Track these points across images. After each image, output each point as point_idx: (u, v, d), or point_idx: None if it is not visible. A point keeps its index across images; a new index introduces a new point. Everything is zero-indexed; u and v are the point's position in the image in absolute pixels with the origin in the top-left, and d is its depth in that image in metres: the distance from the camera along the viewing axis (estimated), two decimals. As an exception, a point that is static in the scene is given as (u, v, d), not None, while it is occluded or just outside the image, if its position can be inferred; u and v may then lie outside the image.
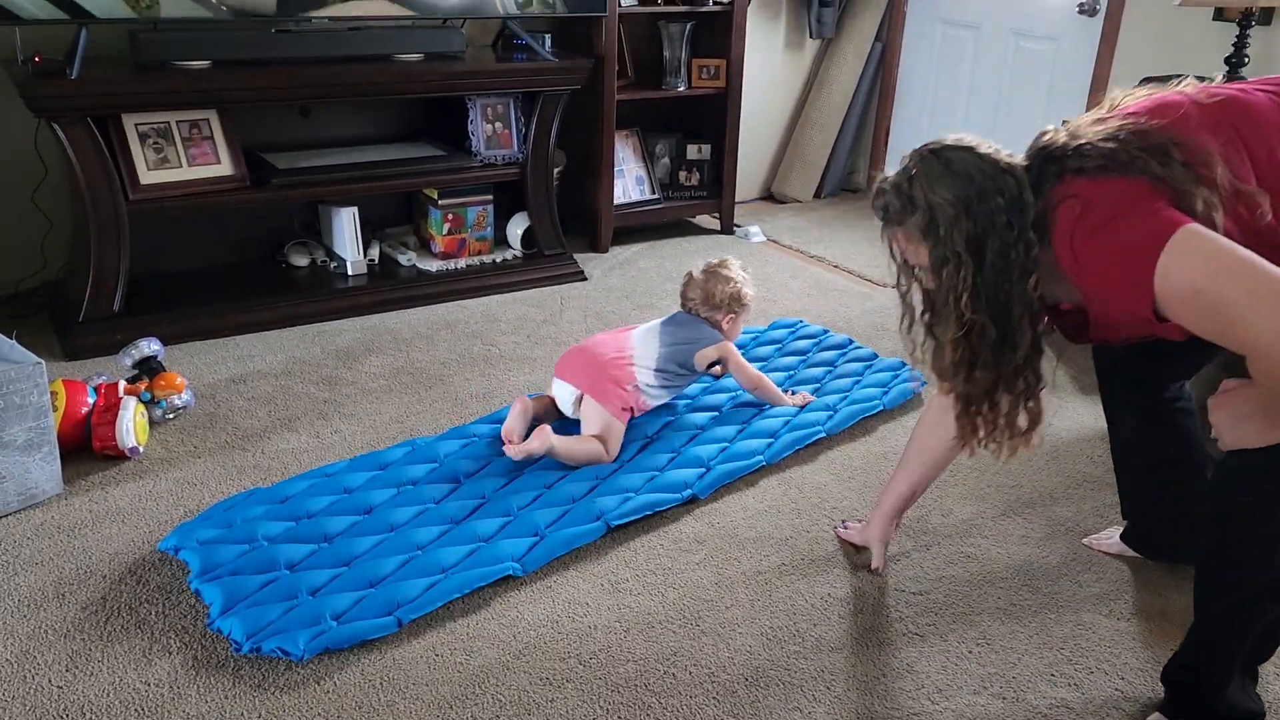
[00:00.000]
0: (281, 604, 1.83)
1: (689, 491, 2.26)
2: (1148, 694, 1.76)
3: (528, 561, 2.00)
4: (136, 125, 2.90)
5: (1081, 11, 3.82)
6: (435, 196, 3.41)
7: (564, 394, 2.46)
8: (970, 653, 1.85)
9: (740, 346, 2.99)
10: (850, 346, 3.04)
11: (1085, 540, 2.19)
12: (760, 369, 2.85)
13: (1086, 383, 2.95)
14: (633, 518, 2.16)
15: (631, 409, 2.44)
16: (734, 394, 2.69)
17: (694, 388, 2.70)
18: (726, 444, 2.44)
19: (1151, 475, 2.00)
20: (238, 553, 1.96)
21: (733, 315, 2.60)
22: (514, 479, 2.27)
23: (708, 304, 2.58)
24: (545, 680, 1.74)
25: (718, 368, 2.62)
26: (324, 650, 1.76)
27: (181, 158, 2.97)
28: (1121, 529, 2.16)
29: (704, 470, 2.33)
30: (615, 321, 3.19)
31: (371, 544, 2.02)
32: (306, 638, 1.75)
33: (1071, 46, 3.90)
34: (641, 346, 2.50)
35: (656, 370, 2.47)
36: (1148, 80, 2.98)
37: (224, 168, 3.02)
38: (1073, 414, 2.76)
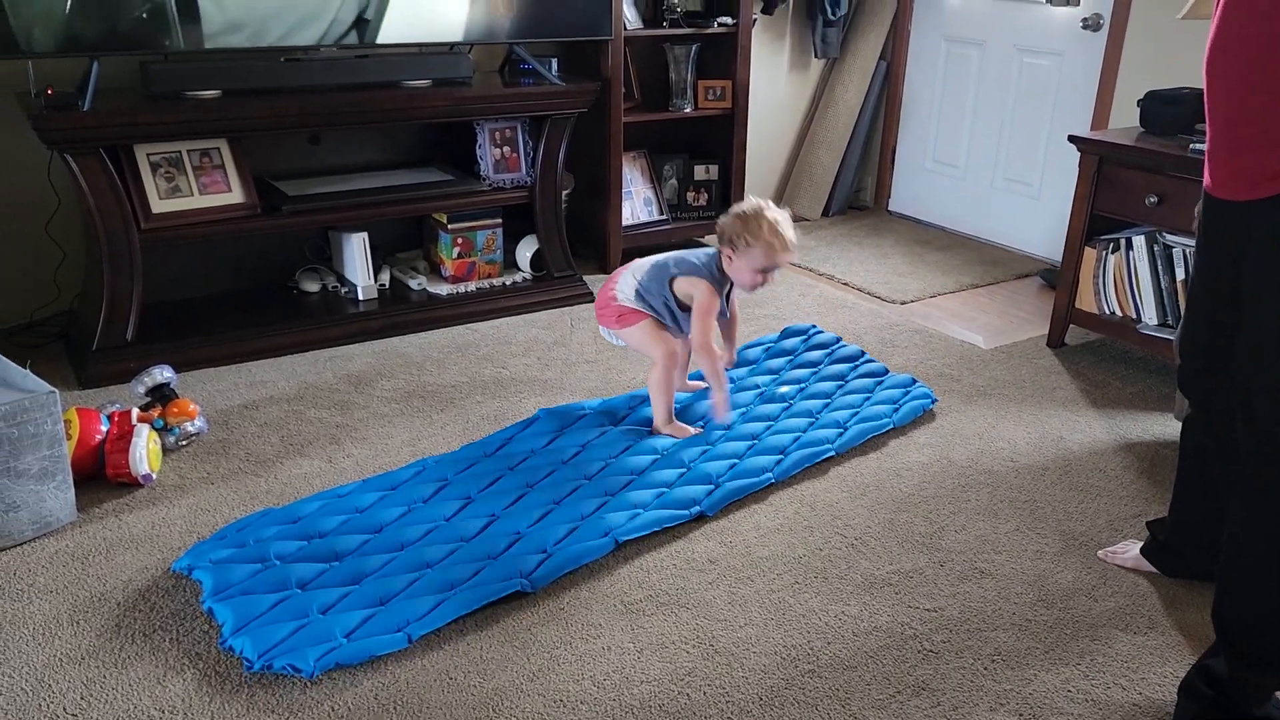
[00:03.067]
0: (292, 622, 1.84)
1: (697, 509, 2.26)
2: (1167, 709, 1.74)
3: (536, 578, 2.00)
4: (148, 155, 2.93)
5: (1085, 27, 3.83)
6: (445, 221, 3.43)
7: (606, 336, 2.68)
8: (986, 669, 1.84)
9: (751, 362, 3.00)
10: (862, 359, 3.03)
11: (1101, 554, 2.18)
12: (773, 380, 2.85)
13: (1098, 397, 2.94)
14: (641, 534, 2.16)
15: (625, 315, 2.53)
16: (744, 409, 2.69)
17: (703, 405, 2.70)
18: (736, 460, 2.44)
19: (1210, 499, 1.96)
20: (250, 572, 1.98)
21: (731, 251, 2.43)
22: (523, 496, 2.28)
23: (719, 239, 2.49)
24: (559, 702, 1.74)
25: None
26: (334, 667, 1.77)
27: (193, 186, 3.00)
28: (1139, 543, 2.14)
29: (713, 487, 2.33)
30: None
31: (381, 562, 2.03)
32: (316, 655, 1.76)
33: (1075, 62, 3.92)
34: (642, 264, 2.57)
35: (639, 283, 2.52)
36: (1153, 94, 3.02)
37: (235, 196, 3.05)
38: (1085, 428, 2.75)
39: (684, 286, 2.50)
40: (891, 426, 2.67)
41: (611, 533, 2.13)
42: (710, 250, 2.56)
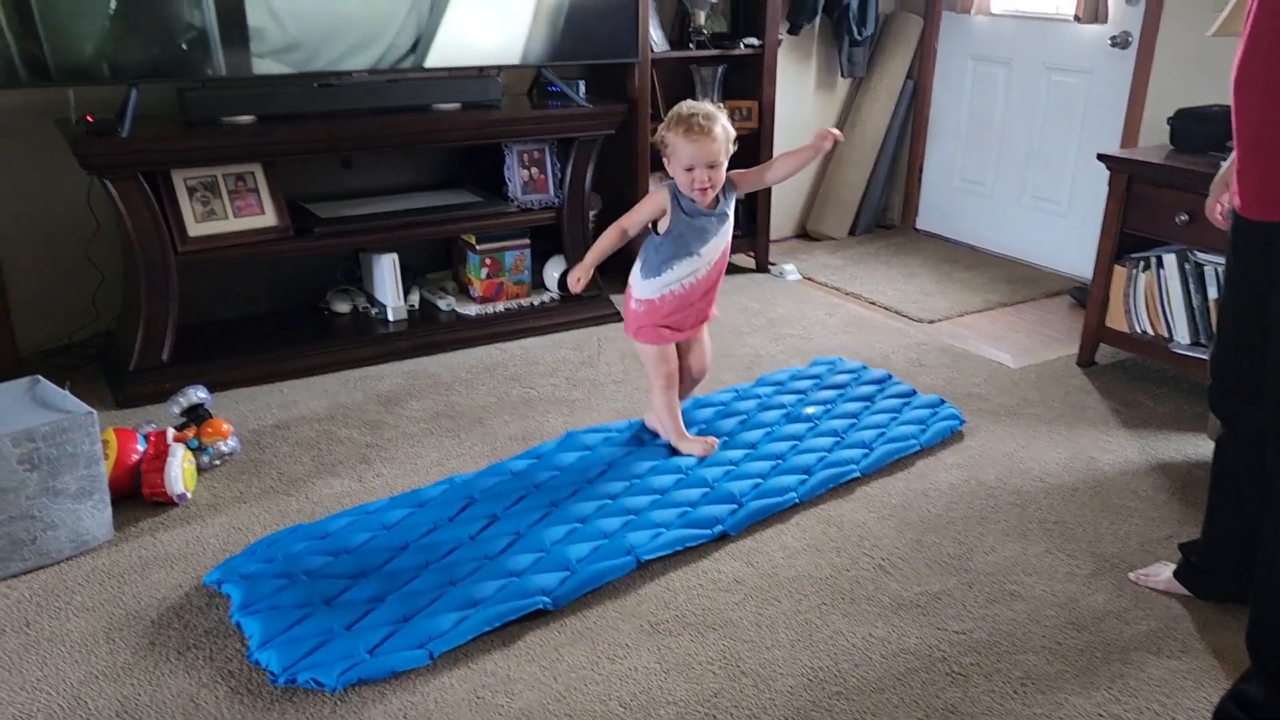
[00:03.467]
0: (317, 637, 1.88)
1: (720, 528, 2.26)
2: (1201, 735, 1.72)
3: (559, 596, 2.02)
4: (185, 179, 2.99)
5: (1114, 44, 3.82)
6: (473, 242, 3.47)
7: None
8: (1015, 693, 1.82)
9: (777, 382, 2.99)
10: (889, 382, 3.02)
11: (1132, 576, 2.15)
12: (798, 402, 2.85)
13: (1129, 416, 2.91)
14: (663, 553, 2.17)
15: (643, 323, 2.50)
16: (769, 429, 2.69)
17: (730, 423, 2.71)
18: (760, 480, 2.44)
19: (1243, 521, 1.93)
20: (277, 587, 2.01)
21: (666, 160, 2.40)
22: (547, 514, 2.29)
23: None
24: (586, 723, 1.74)
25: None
26: (356, 682, 1.79)
27: (227, 210, 3.05)
28: (1172, 565, 2.12)
29: (736, 507, 2.33)
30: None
31: (406, 578, 2.06)
32: (340, 670, 1.79)
33: (1104, 80, 3.90)
34: None
35: (640, 265, 2.50)
36: (1183, 112, 3.00)
37: (268, 219, 3.10)
38: (1116, 448, 2.72)
39: (648, 204, 2.46)
40: (919, 448, 2.66)
41: (634, 551, 2.14)
42: None
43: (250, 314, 3.43)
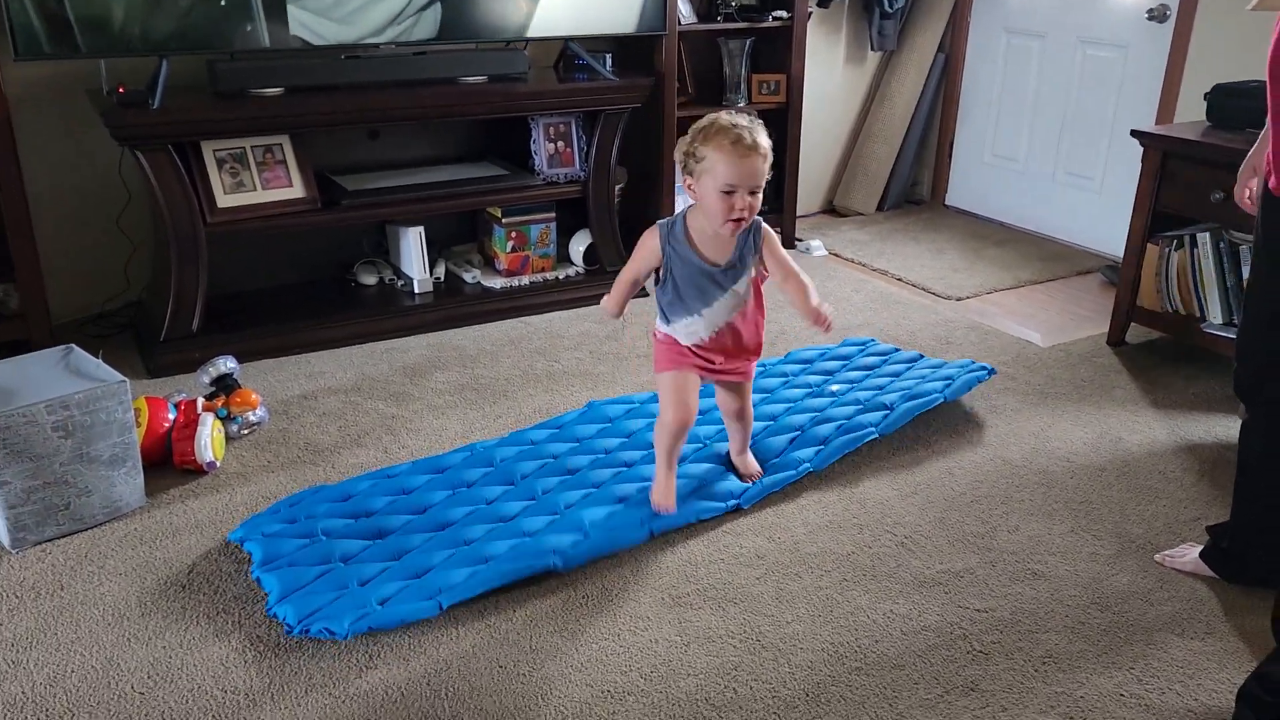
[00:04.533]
0: (332, 591, 1.93)
1: (734, 502, 2.28)
2: (1224, 715, 1.71)
3: (571, 558, 2.05)
4: (214, 151, 3.01)
5: (1151, 18, 3.75)
6: (499, 215, 3.47)
7: None
8: (1036, 671, 1.82)
9: (806, 361, 2.97)
10: (920, 360, 2.99)
11: (1158, 557, 2.14)
12: (825, 380, 2.83)
13: (1159, 397, 2.89)
14: (678, 525, 2.19)
15: (658, 359, 2.18)
16: (790, 405, 2.68)
17: (754, 397, 2.70)
18: (776, 456, 2.44)
19: (1272, 504, 1.92)
20: (298, 545, 2.07)
21: (690, 178, 1.98)
22: (565, 479, 2.32)
23: (680, 172, 2.05)
24: (607, 693, 1.76)
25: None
26: (367, 631, 1.84)
27: (256, 182, 3.07)
28: (1198, 546, 2.11)
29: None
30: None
31: (422, 540, 2.10)
32: (351, 619, 1.84)
33: (1141, 54, 3.83)
34: None
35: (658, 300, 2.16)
36: (1220, 88, 2.94)
37: (296, 190, 3.12)
38: (1144, 428, 2.70)
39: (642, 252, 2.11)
40: (943, 400, 2.63)
41: (648, 523, 2.16)
42: None
43: (278, 285, 3.45)
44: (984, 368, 2.79)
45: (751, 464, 2.38)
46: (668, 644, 1.88)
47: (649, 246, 2.09)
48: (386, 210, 3.29)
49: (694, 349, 2.15)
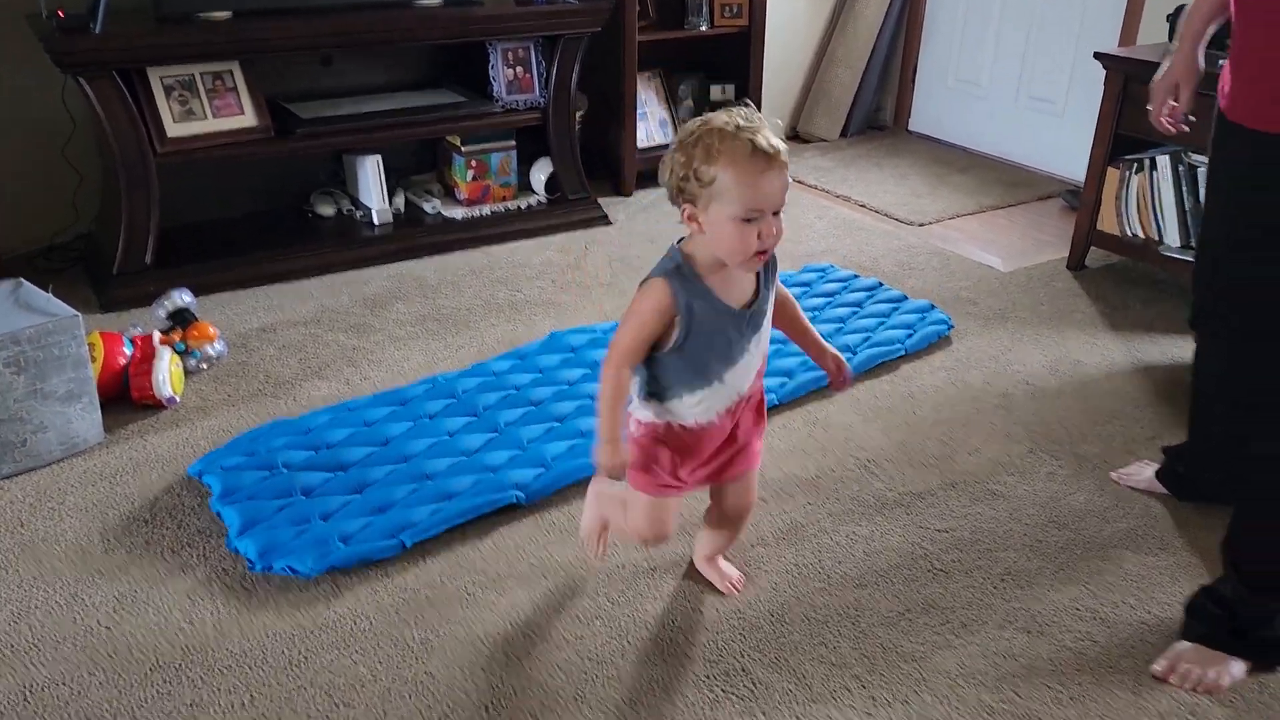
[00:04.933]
0: (294, 527, 1.92)
1: None
2: (1175, 626, 1.77)
3: (533, 491, 2.06)
4: (161, 78, 2.91)
5: (1116, -63, 3.71)
6: (458, 143, 3.41)
7: None
8: (995, 588, 1.87)
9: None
10: (879, 289, 3.01)
11: (1114, 475, 2.19)
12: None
13: (1117, 320, 2.92)
14: None
15: (652, 468, 1.64)
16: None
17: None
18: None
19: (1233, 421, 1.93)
20: (258, 479, 2.06)
21: (692, 206, 1.47)
22: (528, 412, 2.33)
23: (671, 199, 1.52)
24: (575, 618, 1.78)
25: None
26: (329, 569, 1.84)
27: (206, 110, 2.98)
28: (1154, 465, 2.15)
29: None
30: (640, 266, 3.17)
31: (384, 473, 2.10)
32: (314, 557, 1.84)
33: (1105, -26, 3.80)
34: None
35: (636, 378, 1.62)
36: (1183, 9, 2.92)
37: (248, 119, 3.03)
38: (1103, 351, 2.74)
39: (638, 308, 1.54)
40: (904, 353, 2.67)
41: None
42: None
43: (233, 216, 3.38)
44: (943, 320, 2.80)
45: (731, 571, 1.87)
46: (634, 568, 1.90)
47: (654, 299, 1.52)
48: (342, 139, 3.21)
49: (694, 453, 1.65)
